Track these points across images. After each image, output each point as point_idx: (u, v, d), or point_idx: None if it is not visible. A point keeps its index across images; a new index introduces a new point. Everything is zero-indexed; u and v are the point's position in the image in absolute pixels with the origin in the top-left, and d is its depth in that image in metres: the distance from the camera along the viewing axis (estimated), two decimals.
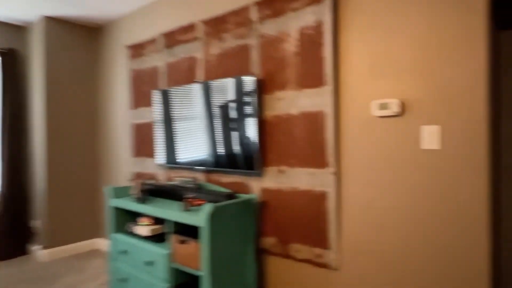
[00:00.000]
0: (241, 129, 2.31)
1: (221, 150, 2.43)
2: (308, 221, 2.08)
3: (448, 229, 1.62)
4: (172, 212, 2.14)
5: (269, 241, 2.27)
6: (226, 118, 2.39)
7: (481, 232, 1.53)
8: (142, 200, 2.48)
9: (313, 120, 2.04)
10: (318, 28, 2.00)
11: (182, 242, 2.09)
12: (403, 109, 1.75)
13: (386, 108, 1.78)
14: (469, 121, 1.56)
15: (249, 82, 2.23)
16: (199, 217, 1.97)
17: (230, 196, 2.23)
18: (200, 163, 2.58)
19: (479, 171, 1.54)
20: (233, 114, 2.35)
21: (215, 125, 2.46)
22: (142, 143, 3.22)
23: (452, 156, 1.61)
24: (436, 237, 1.66)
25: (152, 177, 3.10)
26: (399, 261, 1.77)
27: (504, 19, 2.19)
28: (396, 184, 1.77)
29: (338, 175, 1.97)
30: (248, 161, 2.28)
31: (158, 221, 2.55)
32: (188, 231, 2.20)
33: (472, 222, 1.56)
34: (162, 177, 3.01)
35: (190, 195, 2.26)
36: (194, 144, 2.62)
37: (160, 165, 3.02)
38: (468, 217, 1.57)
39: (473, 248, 1.56)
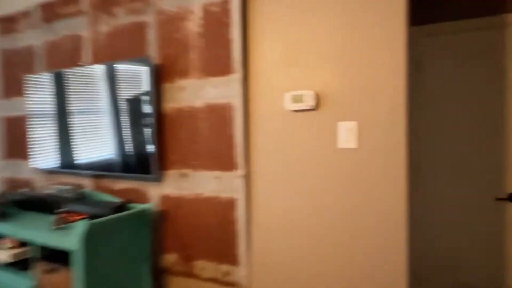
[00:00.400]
0: (136, 124, 1.89)
1: (112, 150, 1.98)
2: (214, 233, 1.76)
3: (367, 234, 1.44)
4: (35, 232, 1.63)
5: (169, 259, 1.90)
6: (117, 111, 1.95)
7: (400, 235, 1.38)
8: (0, 215, 1.90)
9: (220, 113, 1.72)
10: (224, 4, 1.69)
11: (50, 271, 1.61)
12: (319, 103, 1.53)
13: (301, 101, 1.54)
14: (388, 118, 1.40)
15: (144, 67, 1.82)
16: (71, 239, 1.52)
17: (121, 207, 1.80)
18: (88, 166, 2.09)
19: (397, 171, 1.38)
20: (126, 106, 1.91)
21: (103, 120, 2.00)
22: (17, 142, 2.56)
23: (369, 156, 1.43)
24: (354, 244, 1.47)
25: (26, 184, 2.48)
26: (317, 272, 1.55)
27: (413, 15, 2.15)
28: (312, 188, 1.55)
29: (248, 178, 1.69)
30: (145, 163, 1.87)
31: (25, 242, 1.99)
32: (64, 255, 1.72)
33: (390, 225, 1.40)
34: (40, 184, 2.42)
35: (65, 209, 1.77)
36: (81, 143, 2.11)
37: (38, 169, 2.42)
38: (387, 220, 1.40)
39: (391, 252, 1.40)
